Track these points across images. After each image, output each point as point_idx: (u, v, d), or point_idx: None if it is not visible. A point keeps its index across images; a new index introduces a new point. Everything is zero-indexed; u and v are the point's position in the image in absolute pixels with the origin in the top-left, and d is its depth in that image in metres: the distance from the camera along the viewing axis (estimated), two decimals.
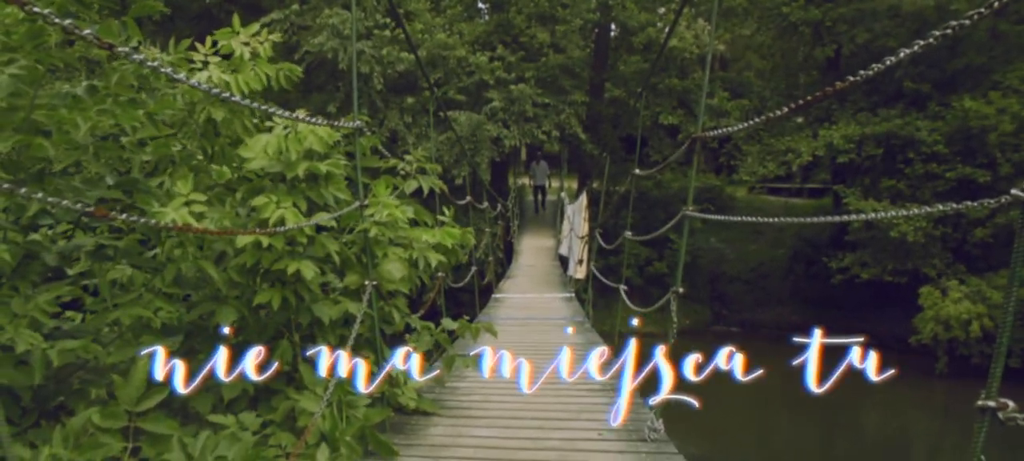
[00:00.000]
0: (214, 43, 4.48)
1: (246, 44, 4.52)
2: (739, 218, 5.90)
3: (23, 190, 2.72)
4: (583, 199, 15.74)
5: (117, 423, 3.27)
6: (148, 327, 3.68)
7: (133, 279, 3.84)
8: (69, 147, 3.79)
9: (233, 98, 3.63)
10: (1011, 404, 2.48)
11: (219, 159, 4.52)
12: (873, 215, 3.28)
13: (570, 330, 9.09)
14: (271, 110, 3.84)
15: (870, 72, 2.97)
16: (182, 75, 3.34)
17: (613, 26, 24.48)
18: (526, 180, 27.63)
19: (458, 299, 12.36)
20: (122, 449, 3.26)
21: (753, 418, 13.75)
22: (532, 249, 19.98)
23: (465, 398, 5.76)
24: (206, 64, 4.38)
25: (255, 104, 3.55)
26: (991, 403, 2.48)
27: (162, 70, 2.93)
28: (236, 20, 4.64)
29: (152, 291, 3.78)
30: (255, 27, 4.65)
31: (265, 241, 3.98)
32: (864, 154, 18.72)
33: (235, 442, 3.49)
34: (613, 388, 6.38)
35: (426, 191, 4.90)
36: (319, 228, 4.27)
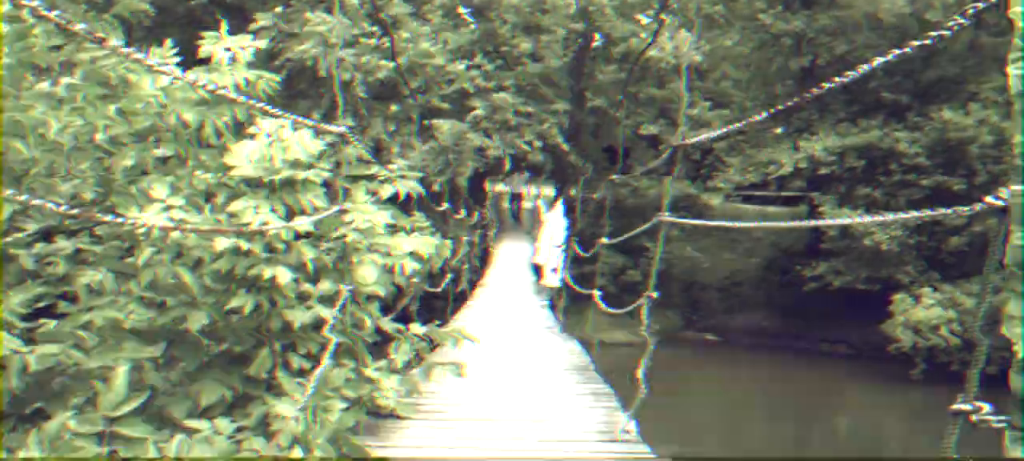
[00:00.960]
0: (175, 46, 4.53)
1: (227, 50, 4.55)
2: (714, 222, 6.00)
3: (10, 191, 2.73)
4: (560, 207, 15.86)
5: (93, 428, 3.28)
6: (128, 332, 3.68)
7: (106, 284, 3.84)
8: (45, 149, 3.79)
9: (227, 95, 3.65)
10: (985, 407, 2.51)
11: (196, 163, 4.54)
12: (851, 221, 3.40)
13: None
14: (253, 106, 3.85)
15: (844, 79, 3.03)
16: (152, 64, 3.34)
17: (597, 36, 24.59)
18: (503, 187, 27.75)
19: (431, 305, 12.41)
20: (96, 454, 3.26)
21: (726, 421, 13.86)
22: (508, 257, 20.15)
23: (439, 400, 5.81)
24: (183, 67, 4.41)
25: (246, 100, 3.57)
26: (966, 407, 2.51)
27: (137, 60, 2.94)
28: (223, 26, 4.68)
29: (127, 296, 3.79)
30: (245, 38, 4.68)
31: (243, 247, 4.00)
32: (846, 166, 18.88)
33: (208, 446, 3.51)
34: (588, 392, 6.47)
35: (403, 195, 4.93)
36: (297, 235, 4.30)
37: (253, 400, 4.10)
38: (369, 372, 4.48)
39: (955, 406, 2.53)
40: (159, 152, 4.49)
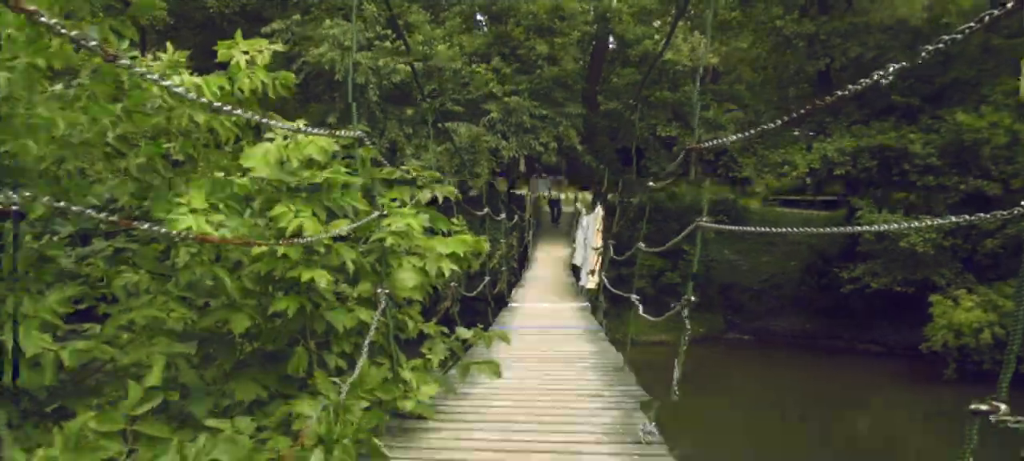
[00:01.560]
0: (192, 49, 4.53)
1: (245, 53, 4.53)
2: (752, 228, 5.94)
3: (45, 199, 2.66)
4: (599, 211, 15.84)
5: (115, 426, 3.24)
6: (162, 329, 3.63)
7: (144, 284, 3.80)
8: (55, 146, 3.76)
9: (225, 108, 3.60)
10: (1003, 407, 2.46)
11: (208, 165, 4.51)
12: (882, 227, 3.33)
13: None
14: (258, 113, 3.81)
15: (858, 87, 3.02)
16: (156, 76, 3.28)
17: (611, 39, 24.58)
18: (544, 192, 27.89)
19: (473, 308, 12.39)
20: (119, 452, 3.22)
21: (753, 420, 13.77)
22: (546, 259, 20.20)
23: (463, 403, 5.78)
24: (197, 72, 4.40)
25: (248, 113, 3.52)
26: (983, 406, 2.47)
27: (137, 71, 2.91)
28: (239, 33, 4.66)
29: (166, 295, 3.74)
30: (261, 42, 4.66)
31: (281, 250, 3.95)
32: (859, 166, 18.83)
33: (232, 445, 3.46)
34: (610, 393, 6.41)
35: (441, 200, 4.88)
36: (337, 238, 4.24)
37: (290, 399, 4.05)
38: (405, 372, 4.42)
39: (974, 406, 2.48)
40: (168, 147, 4.46)
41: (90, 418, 3.19)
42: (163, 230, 3.28)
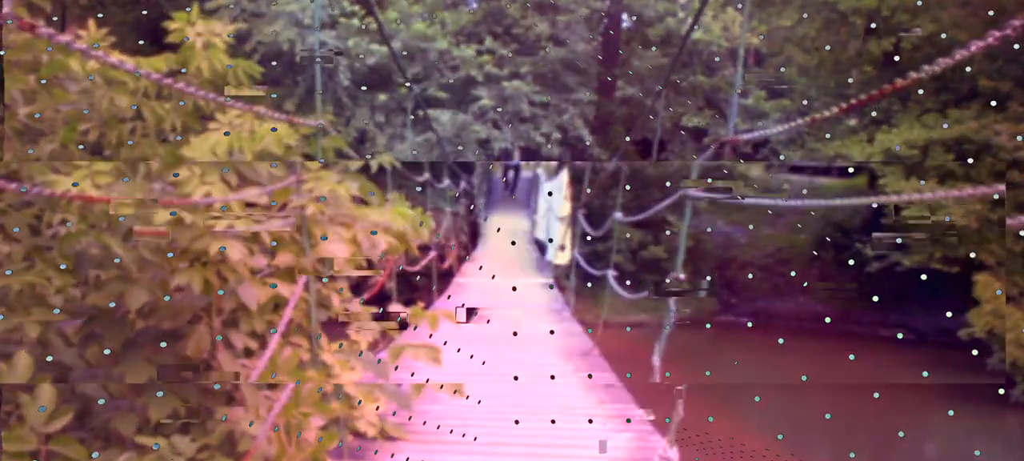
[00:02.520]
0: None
1: (199, 35, 4.74)
2: (749, 200, 6.02)
3: None
4: (564, 176, 15.93)
5: (25, 445, 3.37)
6: (41, 301, 3.80)
7: (18, 254, 3.97)
8: None
9: (172, 84, 3.78)
10: None
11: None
12: (913, 197, 3.35)
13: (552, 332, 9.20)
14: (209, 97, 4.01)
15: (936, 68, 3.00)
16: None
17: (626, 16, 24.79)
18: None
19: (413, 283, 12.49)
20: None
21: (784, 441, 13.57)
22: (503, 231, 20.37)
23: (438, 421, 5.84)
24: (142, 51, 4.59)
25: (193, 88, 3.73)
26: None
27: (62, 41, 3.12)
28: (195, 8, 4.88)
29: (46, 264, 3.91)
30: (218, 24, 4.88)
31: (187, 217, 4.12)
32: (930, 162, 18.68)
33: None
34: (612, 416, 6.48)
35: (376, 167, 5.05)
36: (249, 205, 4.42)
37: (210, 412, 4.18)
38: (326, 355, 4.58)
39: None
40: (85, 128, 4.65)
41: None
42: (36, 189, 3.47)
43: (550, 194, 15.90)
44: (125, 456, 3.62)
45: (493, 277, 13.17)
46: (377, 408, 5.33)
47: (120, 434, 3.87)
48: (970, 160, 18.42)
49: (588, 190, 14.90)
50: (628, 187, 12.87)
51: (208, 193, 4.22)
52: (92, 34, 4.75)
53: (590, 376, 6.90)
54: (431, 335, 5.02)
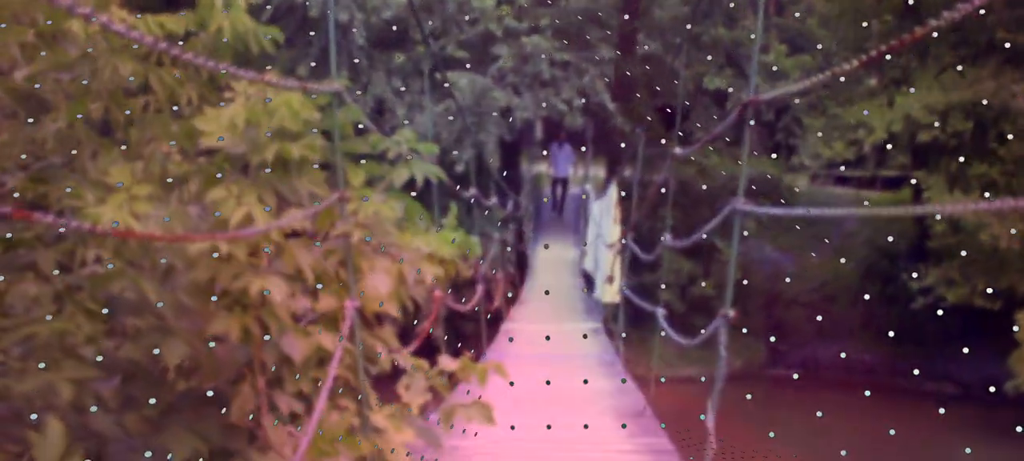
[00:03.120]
0: None
1: None
2: (799, 211, 5.78)
3: None
4: (612, 193, 15.36)
5: None
6: (70, 352, 3.53)
7: (46, 296, 3.68)
8: None
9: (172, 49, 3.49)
10: None
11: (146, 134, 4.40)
12: (957, 208, 3.19)
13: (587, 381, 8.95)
14: (217, 67, 3.69)
15: (955, 15, 2.77)
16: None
17: None
18: (544, 167, 26.27)
19: (460, 330, 12.11)
20: None
21: None
22: (550, 262, 19.55)
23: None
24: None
25: (201, 59, 3.43)
26: None
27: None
28: None
29: (75, 306, 3.64)
30: None
31: (223, 249, 3.83)
32: (949, 129, 18.09)
33: None
34: (652, 449, 6.36)
35: (421, 181, 4.73)
36: (289, 234, 4.13)
37: (233, 457, 3.92)
38: (377, 419, 4.31)
39: None
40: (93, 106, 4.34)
41: None
42: (73, 223, 3.20)
43: (597, 216, 15.23)
44: None
45: (547, 338, 12.42)
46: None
47: None
48: (988, 129, 17.77)
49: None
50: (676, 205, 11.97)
51: (247, 216, 3.92)
52: None
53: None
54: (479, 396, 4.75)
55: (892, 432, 11.82)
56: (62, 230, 3.72)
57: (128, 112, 4.44)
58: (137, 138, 4.46)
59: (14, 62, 4.13)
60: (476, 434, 5.59)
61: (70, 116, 4.17)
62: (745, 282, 18.74)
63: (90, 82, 4.26)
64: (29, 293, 3.61)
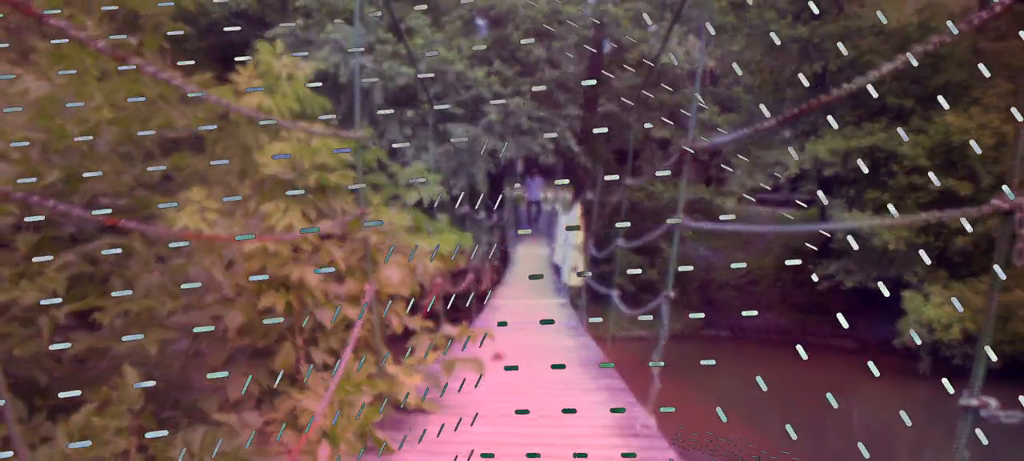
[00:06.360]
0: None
1: (285, 67, 4.69)
2: (728, 227, 6.03)
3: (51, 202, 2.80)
4: (577, 210, 15.87)
5: (118, 422, 3.34)
6: (155, 321, 3.76)
7: (138, 280, 3.90)
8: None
9: (252, 112, 3.73)
10: (993, 403, 2.53)
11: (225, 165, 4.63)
12: (862, 224, 3.35)
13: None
14: (281, 123, 3.95)
15: (853, 87, 3.09)
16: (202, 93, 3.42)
17: (607, 42, 24.61)
18: (522, 192, 27.98)
19: (456, 305, 12.52)
20: (126, 445, 3.32)
21: (741, 415, 13.80)
22: (527, 257, 20.38)
23: (464, 397, 5.86)
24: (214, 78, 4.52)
25: (275, 120, 3.67)
26: (973, 401, 2.54)
27: (178, 86, 3.06)
28: (279, 43, 4.84)
29: (161, 289, 3.87)
30: (299, 60, 4.84)
31: (272, 247, 4.09)
32: (849, 166, 18.86)
33: (235, 438, 3.57)
34: (604, 387, 6.53)
35: (427, 202, 5.02)
36: (324, 236, 4.39)
37: (279, 395, 4.17)
38: (390, 368, 4.56)
39: (963, 401, 2.55)
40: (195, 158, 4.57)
41: (92, 412, 3.30)
42: (161, 229, 3.43)
43: (567, 227, 15.82)
44: (203, 429, 3.59)
45: (520, 299, 12.56)
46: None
47: (203, 412, 3.85)
48: (880, 167, 18.62)
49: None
50: (628, 219, 12.99)
51: (289, 225, 4.19)
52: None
53: (601, 379, 6.98)
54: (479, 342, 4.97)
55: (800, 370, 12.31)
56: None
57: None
58: (213, 170, 4.71)
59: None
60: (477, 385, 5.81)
61: (176, 163, 4.40)
62: (682, 269, 19.13)
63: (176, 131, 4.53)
64: (131, 275, 3.84)
